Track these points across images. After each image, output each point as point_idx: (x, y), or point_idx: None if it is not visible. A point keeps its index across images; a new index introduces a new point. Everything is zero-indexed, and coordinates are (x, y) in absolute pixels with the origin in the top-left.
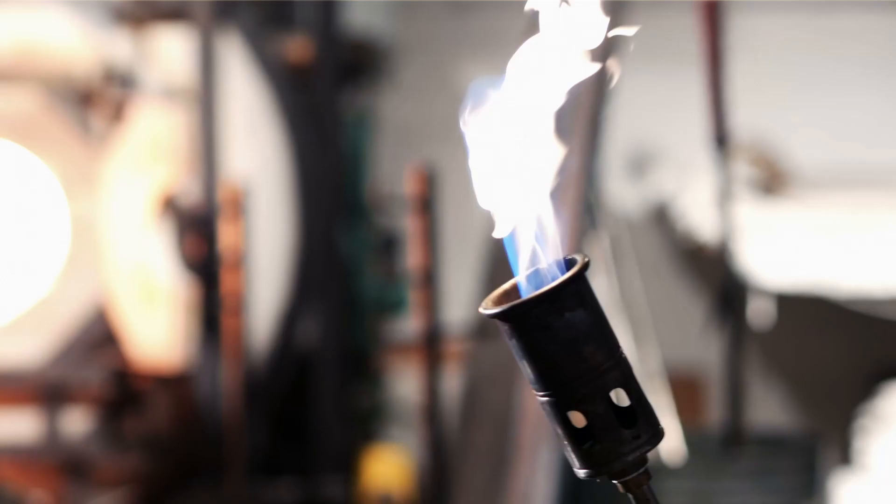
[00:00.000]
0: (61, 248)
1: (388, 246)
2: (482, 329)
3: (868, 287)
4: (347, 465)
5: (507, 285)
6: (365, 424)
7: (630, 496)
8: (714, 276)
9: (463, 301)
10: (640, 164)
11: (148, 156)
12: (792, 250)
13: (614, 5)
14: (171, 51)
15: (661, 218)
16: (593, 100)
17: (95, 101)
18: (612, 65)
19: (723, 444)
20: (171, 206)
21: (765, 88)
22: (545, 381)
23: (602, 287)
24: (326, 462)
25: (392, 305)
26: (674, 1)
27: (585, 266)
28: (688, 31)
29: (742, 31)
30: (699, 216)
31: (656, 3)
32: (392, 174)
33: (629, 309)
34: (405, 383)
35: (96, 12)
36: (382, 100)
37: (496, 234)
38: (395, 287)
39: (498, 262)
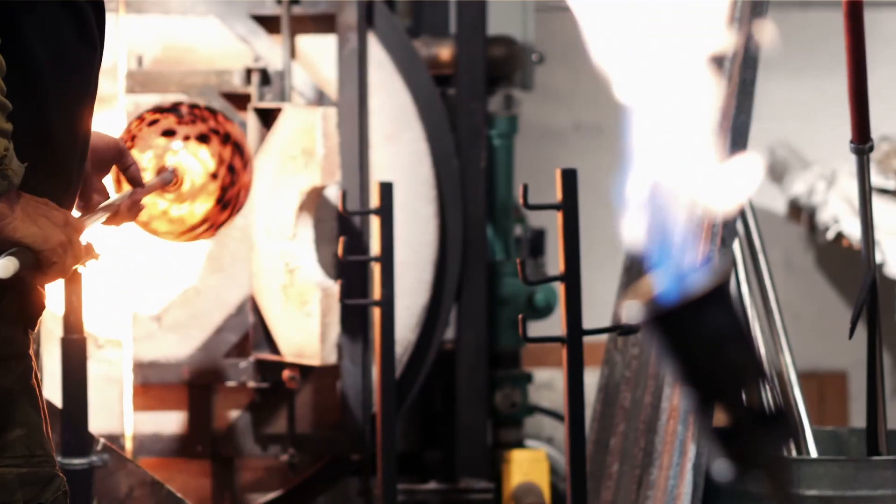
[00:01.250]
0: (206, 247)
1: (534, 248)
2: (624, 329)
3: None
4: (491, 466)
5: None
6: (509, 426)
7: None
8: (854, 277)
9: (607, 302)
10: (780, 166)
11: (296, 159)
12: None
13: (756, 7)
14: (318, 55)
15: (800, 220)
16: (738, 101)
17: (243, 105)
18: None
19: (863, 447)
20: (319, 206)
21: None
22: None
23: (741, 287)
24: (470, 463)
25: (538, 306)
26: (815, 2)
27: (728, 269)
28: (830, 33)
29: (885, 32)
30: (840, 219)
31: (796, 3)
32: (537, 177)
33: (767, 309)
34: (550, 384)
35: (244, 17)
36: (526, 102)
37: (641, 233)
38: (542, 288)
39: (641, 264)
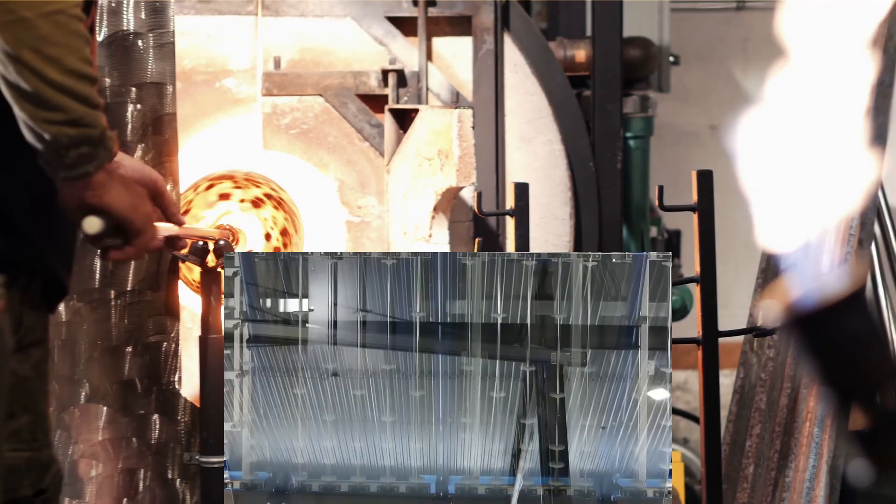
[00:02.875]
0: (344, 247)
1: (670, 249)
2: (760, 331)
3: None
4: None
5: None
6: None
7: None
8: None
9: (743, 304)
10: None
11: (432, 160)
12: None
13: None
14: (454, 57)
15: None
16: (875, 103)
17: (379, 107)
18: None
19: None
20: (454, 207)
21: None
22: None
23: (878, 290)
24: None
25: (673, 308)
26: None
27: (865, 271)
28: None
29: None
30: None
31: None
32: (673, 178)
33: None
34: (685, 386)
35: (380, 19)
36: (662, 103)
37: (780, 239)
38: (677, 290)
39: (777, 266)
